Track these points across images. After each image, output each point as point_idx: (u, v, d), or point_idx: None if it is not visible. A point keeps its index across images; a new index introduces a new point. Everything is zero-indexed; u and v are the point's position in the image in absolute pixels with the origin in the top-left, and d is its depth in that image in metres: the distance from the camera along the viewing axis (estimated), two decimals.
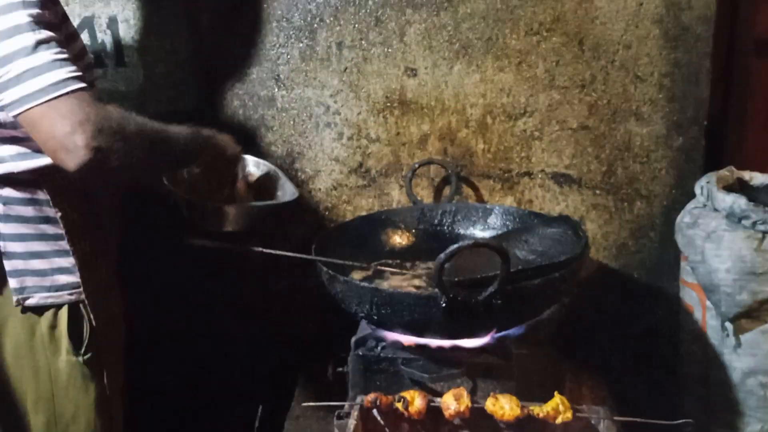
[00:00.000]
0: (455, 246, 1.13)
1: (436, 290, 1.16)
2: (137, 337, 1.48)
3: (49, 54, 1.02)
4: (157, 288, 1.70)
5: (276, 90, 1.68)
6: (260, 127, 1.70)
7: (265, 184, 1.46)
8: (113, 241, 1.36)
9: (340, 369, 1.51)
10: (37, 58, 1.01)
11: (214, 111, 1.69)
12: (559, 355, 1.52)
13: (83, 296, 1.24)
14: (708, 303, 1.49)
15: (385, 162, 1.70)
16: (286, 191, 1.46)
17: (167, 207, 1.34)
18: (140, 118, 1.11)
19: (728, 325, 1.44)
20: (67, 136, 0.99)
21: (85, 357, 1.25)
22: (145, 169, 1.17)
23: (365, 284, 1.28)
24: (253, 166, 1.48)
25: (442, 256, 1.12)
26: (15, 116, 1.04)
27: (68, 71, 1.03)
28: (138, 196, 1.47)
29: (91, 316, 1.25)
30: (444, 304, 1.17)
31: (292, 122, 1.70)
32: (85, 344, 1.25)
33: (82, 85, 1.03)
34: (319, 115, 1.68)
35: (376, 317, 1.28)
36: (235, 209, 1.35)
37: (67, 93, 1.01)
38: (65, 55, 1.05)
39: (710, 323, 1.50)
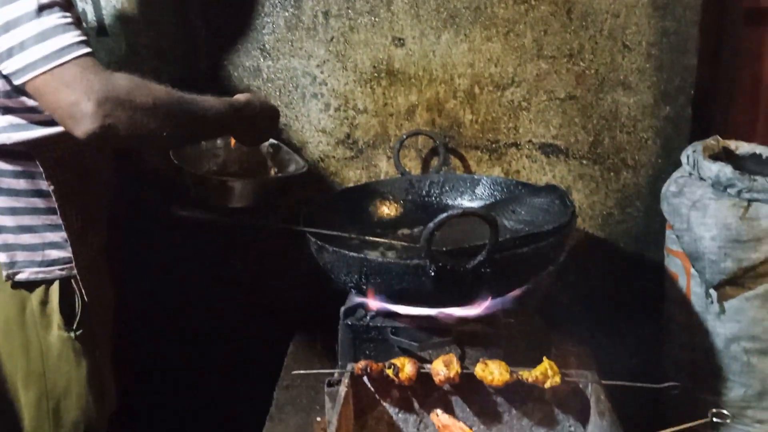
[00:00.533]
0: (444, 215, 1.12)
1: (425, 259, 1.16)
2: (127, 312, 1.48)
3: (54, 18, 1.00)
4: (146, 262, 1.69)
5: (261, 60, 1.66)
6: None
7: (269, 158, 1.46)
8: (104, 216, 1.34)
9: (329, 338, 1.53)
10: (40, 23, 0.99)
11: (198, 82, 1.66)
12: (546, 323, 1.54)
13: (75, 271, 1.23)
14: (693, 271, 1.51)
15: (372, 133, 1.69)
16: (294, 164, 1.46)
17: (157, 180, 1.33)
18: (160, 88, 1.08)
19: (712, 292, 1.46)
20: (73, 105, 0.97)
21: (77, 332, 1.25)
22: (164, 138, 1.11)
23: (354, 254, 1.28)
24: None
25: (431, 224, 1.12)
26: (21, 85, 1.01)
27: (73, 35, 1.00)
28: (125, 169, 1.45)
29: (83, 292, 1.24)
30: (433, 273, 1.17)
31: (278, 93, 1.68)
32: (77, 320, 1.24)
33: (88, 50, 1.01)
34: (306, 85, 1.67)
35: (364, 287, 1.28)
36: (248, 184, 1.34)
37: (72, 60, 0.99)
38: (69, 19, 1.02)
39: (695, 291, 1.52)
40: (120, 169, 1.41)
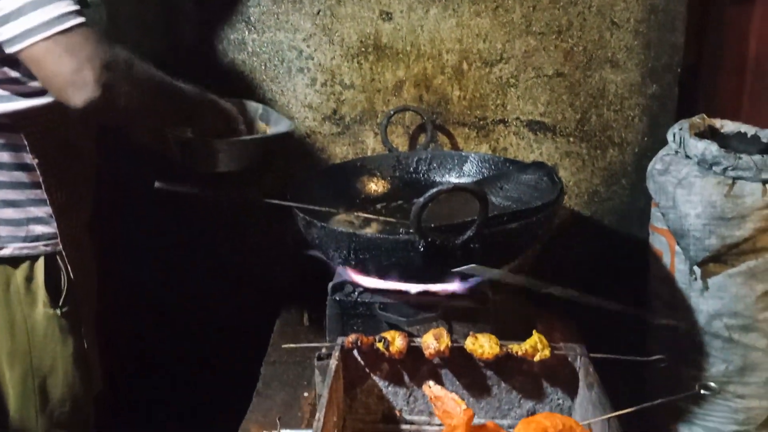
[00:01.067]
0: (434, 190, 1.12)
1: (415, 234, 1.15)
2: (110, 291, 1.46)
3: None
4: (129, 239, 1.66)
5: (246, 33, 1.63)
6: (230, 72, 1.65)
7: (255, 120, 1.44)
8: (89, 192, 1.32)
9: (317, 315, 1.53)
10: None
11: (181, 55, 1.63)
12: (532, 300, 1.56)
13: (60, 247, 1.21)
14: (677, 248, 1.52)
15: (359, 109, 1.67)
16: (280, 125, 1.44)
17: (141, 154, 1.31)
18: (148, 66, 1.10)
19: (696, 269, 1.48)
20: (75, 72, 0.96)
21: (63, 310, 1.23)
22: (152, 116, 1.17)
23: (343, 230, 1.27)
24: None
25: (421, 200, 1.11)
26: (16, 52, 0.99)
27: (68, 4, 0.98)
28: (108, 144, 1.42)
29: (69, 268, 1.22)
30: (422, 249, 1.17)
31: (263, 67, 1.66)
32: (62, 297, 1.22)
33: (83, 19, 1.00)
34: (292, 59, 1.64)
35: (353, 262, 1.28)
36: (233, 145, 1.32)
37: (74, 27, 0.98)
38: None
39: (679, 268, 1.53)
40: (102, 144, 1.39)
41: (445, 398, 0.86)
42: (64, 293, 1.24)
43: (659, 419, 1.58)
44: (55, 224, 1.21)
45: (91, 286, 1.37)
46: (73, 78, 0.97)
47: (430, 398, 0.83)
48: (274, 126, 1.46)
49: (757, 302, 1.44)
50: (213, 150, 1.31)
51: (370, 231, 1.38)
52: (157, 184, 1.25)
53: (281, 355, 1.53)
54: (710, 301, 1.49)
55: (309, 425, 1.29)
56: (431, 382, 0.85)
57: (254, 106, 1.49)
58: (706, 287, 1.49)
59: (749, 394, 1.48)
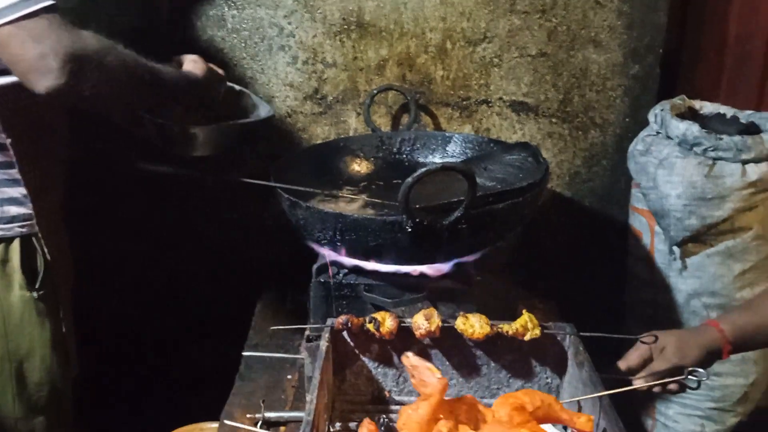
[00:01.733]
0: (423, 169, 1.11)
1: (402, 215, 1.14)
2: (87, 273, 1.43)
3: None
4: (108, 221, 1.62)
5: (226, 9, 1.59)
6: (209, 48, 1.61)
7: (234, 104, 1.41)
8: (64, 171, 1.28)
9: (300, 297, 1.52)
10: None
11: (159, 31, 1.58)
12: (515, 280, 1.57)
13: (36, 229, 1.17)
14: (657, 228, 1.54)
15: (341, 88, 1.65)
16: (260, 110, 1.40)
17: (118, 134, 1.27)
18: (127, 53, 1.06)
19: (676, 249, 1.50)
20: (40, 59, 0.94)
21: (40, 292, 1.20)
22: (124, 102, 1.13)
23: (329, 210, 1.26)
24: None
25: (409, 179, 1.10)
26: None
27: None
28: (86, 123, 1.38)
29: (45, 250, 1.19)
30: (410, 229, 1.16)
31: (243, 44, 1.62)
32: (39, 279, 1.19)
33: (52, 2, 0.96)
34: (272, 37, 1.61)
35: (338, 243, 1.26)
36: (211, 130, 1.29)
37: (40, 10, 0.94)
38: None
39: (658, 248, 1.56)
40: (78, 123, 1.35)
41: (421, 368, 0.85)
42: (40, 276, 1.21)
43: (635, 396, 1.61)
44: (30, 205, 1.17)
45: (69, 269, 1.34)
46: (37, 64, 0.94)
47: (407, 368, 0.82)
48: (254, 110, 1.44)
49: (735, 281, 1.47)
50: (190, 135, 1.28)
51: (356, 211, 1.37)
52: (138, 165, 1.22)
53: (263, 338, 1.51)
54: (689, 280, 1.51)
55: (293, 407, 1.28)
56: (409, 353, 0.84)
57: (235, 89, 1.46)
58: (684, 267, 1.51)
59: (725, 372, 1.51)
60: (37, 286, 1.20)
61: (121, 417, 1.62)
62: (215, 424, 1.41)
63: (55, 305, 1.24)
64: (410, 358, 0.83)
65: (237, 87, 1.44)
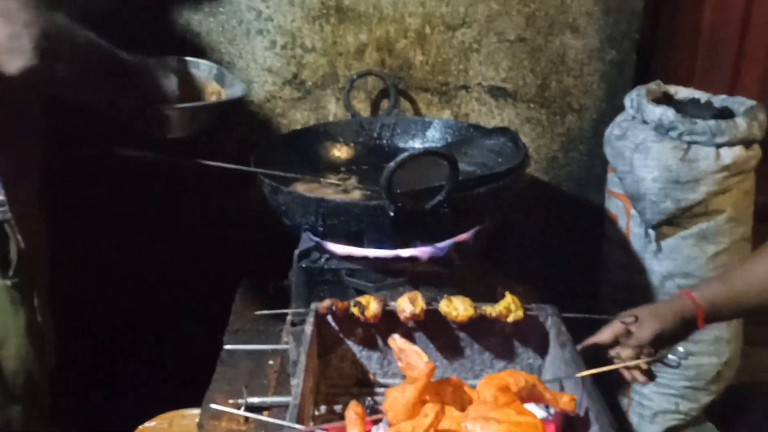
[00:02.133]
0: (406, 154, 1.11)
1: (386, 200, 1.15)
2: (64, 262, 1.40)
3: None
4: (85, 207, 1.60)
5: None
6: (185, 33, 1.59)
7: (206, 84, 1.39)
8: (38, 157, 1.25)
9: (281, 283, 1.51)
10: None
11: (133, 14, 1.55)
12: (494, 264, 1.58)
13: (9, 215, 1.15)
14: (633, 212, 1.57)
15: (321, 73, 1.64)
16: (235, 87, 1.39)
17: (98, 119, 1.25)
18: (92, 35, 1.04)
19: (651, 231, 1.53)
20: (12, 39, 0.91)
21: (14, 280, 1.17)
22: (91, 86, 1.10)
23: (311, 195, 1.25)
24: (194, 68, 1.40)
25: (392, 164, 1.10)
26: None
27: None
28: (62, 108, 1.35)
29: (19, 237, 1.16)
30: (392, 214, 1.16)
31: (220, 28, 1.60)
32: (13, 267, 1.17)
33: None
34: (250, 21, 1.59)
35: (321, 228, 1.26)
36: (186, 110, 1.27)
37: None
38: None
39: (634, 231, 1.58)
40: (53, 107, 1.32)
41: (408, 351, 0.86)
42: (14, 263, 1.18)
43: (611, 376, 1.64)
44: (2, 191, 1.15)
45: (44, 256, 1.31)
46: (9, 45, 0.91)
47: (394, 351, 0.83)
48: (229, 88, 1.42)
49: (708, 263, 1.51)
50: (163, 116, 1.27)
51: (338, 196, 1.37)
52: (117, 150, 1.20)
53: (244, 324, 1.51)
54: (663, 262, 1.54)
55: (276, 392, 1.28)
56: (396, 336, 0.85)
57: (208, 66, 1.44)
58: (659, 249, 1.54)
59: (699, 352, 1.55)
60: (10, 274, 1.17)
61: (102, 405, 1.61)
62: (197, 411, 1.41)
63: (29, 294, 1.22)
64: (397, 341, 0.83)
65: (212, 64, 1.43)
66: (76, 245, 1.56)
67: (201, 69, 1.41)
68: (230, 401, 1.20)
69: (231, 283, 1.59)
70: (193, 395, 1.38)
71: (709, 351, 1.55)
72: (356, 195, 1.39)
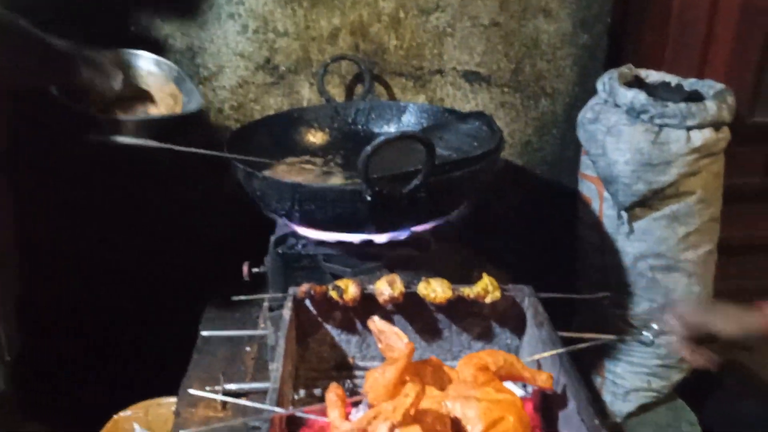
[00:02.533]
0: (382, 138, 1.11)
1: (363, 184, 1.14)
2: (32, 246, 1.37)
3: None
4: (55, 197, 1.56)
5: None
6: (154, 16, 1.56)
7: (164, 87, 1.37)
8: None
9: (257, 269, 1.50)
10: None
11: (93, 3, 1.51)
12: (470, 247, 1.59)
13: None
14: (605, 194, 1.58)
15: (294, 58, 1.62)
16: (192, 97, 1.37)
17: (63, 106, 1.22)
18: (23, 22, 1.02)
19: (623, 213, 1.55)
20: None
21: None
22: (23, 74, 1.08)
23: (286, 180, 1.24)
24: (154, 66, 1.37)
25: (368, 148, 1.10)
26: None
27: None
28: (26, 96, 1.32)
29: None
30: (369, 198, 1.16)
31: (190, 12, 1.57)
32: None
33: None
34: (221, 5, 1.56)
35: (297, 214, 1.26)
36: (137, 121, 1.25)
37: None
38: None
39: (606, 213, 1.60)
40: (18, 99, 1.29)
41: (388, 333, 0.86)
42: None
43: (586, 355, 1.66)
44: None
45: (6, 241, 1.28)
46: None
47: (374, 333, 0.83)
48: (186, 95, 1.40)
49: (679, 243, 1.53)
50: (115, 123, 1.24)
51: (314, 181, 1.36)
52: (89, 136, 1.18)
53: (221, 311, 1.50)
54: (635, 243, 1.57)
55: (254, 379, 1.28)
56: (375, 317, 0.85)
57: (168, 67, 1.42)
58: (631, 231, 1.56)
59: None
60: None
61: (76, 395, 1.59)
62: (173, 399, 1.40)
63: None
64: (376, 323, 0.83)
65: (173, 66, 1.41)
66: (47, 234, 1.53)
67: (162, 68, 1.39)
68: (207, 388, 1.19)
69: (206, 271, 1.57)
70: (169, 384, 1.37)
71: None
72: (332, 180, 1.38)
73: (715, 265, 1.61)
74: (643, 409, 1.65)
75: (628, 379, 1.63)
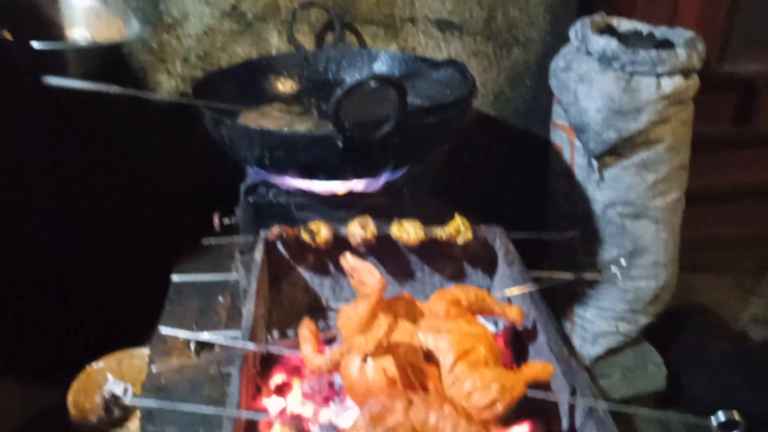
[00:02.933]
0: (353, 81, 1.09)
1: (333, 130, 1.13)
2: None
3: None
4: (15, 144, 1.52)
5: None
6: None
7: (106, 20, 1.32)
8: None
9: (229, 219, 1.49)
10: None
11: None
12: (442, 196, 1.59)
13: None
14: (577, 143, 1.59)
15: (261, 4, 1.58)
16: (132, 27, 1.32)
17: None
18: None
19: (594, 162, 1.56)
20: None
21: None
22: None
23: (256, 127, 1.22)
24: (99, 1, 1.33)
25: (339, 91, 1.08)
26: None
27: None
28: None
29: None
30: (341, 144, 1.15)
31: None
32: None
33: None
34: None
35: (267, 161, 1.24)
36: (78, 51, 1.20)
37: None
38: None
39: (578, 162, 1.62)
40: None
41: (360, 268, 0.85)
42: None
43: (557, 301, 1.70)
44: None
45: None
46: None
47: (346, 269, 0.83)
48: (128, 26, 1.36)
49: (648, 191, 1.55)
50: (51, 54, 1.19)
51: (284, 128, 1.34)
52: (46, 80, 1.14)
53: (192, 261, 1.49)
54: (606, 191, 1.58)
55: (227, 327, 1.28)
56: (347, 253, 0.85)
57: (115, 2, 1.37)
58: (602, 179, 1.58)
59: (638, 276, 1.61)
60: None
61: (49, 348, 1.57)
62: (146, 351, 1.40)
63: None
64: (348, 259, 0.83)
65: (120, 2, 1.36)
66: (9, 185, 1.49)
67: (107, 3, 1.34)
68: (180, 335, 1.18)
69: (176, 222, 1.55)
70: (141, 336, 1.36)
71: (647, 275, 1.61)
72: (303, 127, 1.37)
73: (682, 213, 1.64)
74: (611, 352, 1.69)
75: (597, 324, 1.67)
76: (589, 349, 1.69)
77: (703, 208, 1.84)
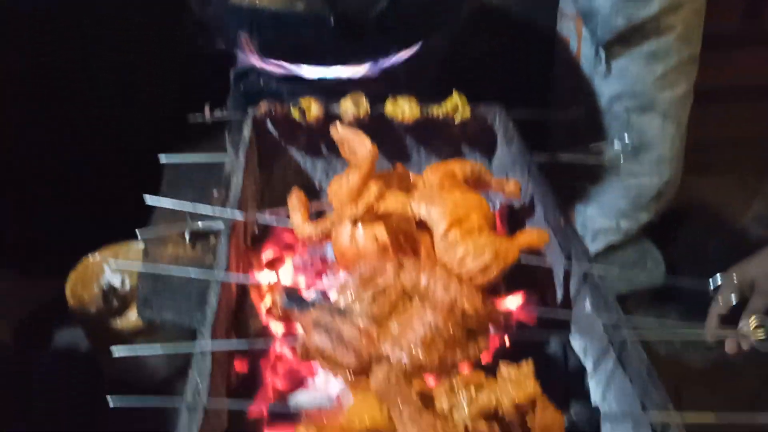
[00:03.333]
0: None
1: (325, 7, 1.07)
2: None
3: None
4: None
5: None
6: None
7: None
8: None
9: (219, 111, 1.44)
10: None
11: None
12: (441, 83, 1.54)
13: None
14: (584, 32, 1.52)
15: None
16: None
17: None
18: None
19: (601, 51, 1.49)
20: None
21: None
22: None
23: (244, 4, 1.16)
24: None
25: None
26: None
27: None
28: None
29: None
30: (333, 23, 1.09)
31: None
32: None
33: None
34: None
35: (257, 43, 1.18)
36: None
37: None
38: None
39: (584, 53, 1.55)
40: None
41: (351, 138, 0.81)
42: None
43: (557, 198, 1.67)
44: None
45: None
46: None
47: (336, 140, 0.79)
48: None
49: (656, 83, 1.49)
50: None
51: (273, 5, 1.27)
52: None
53: (184, 156, 1.45)
54: (612, 83, 1.52)
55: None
56: (338, 122, 0.81)
57: None
58: (609, 70, 1.51)
59: (641, 172, 1.57)
60: None
61: (46, 239, 1.57)
62: (142, 244, 1.39)
63: None
64: (339, 128, 0.79)
65: None
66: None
67: None
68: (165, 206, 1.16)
69: (166, 113, 1.51)
70: (131, 230, 1.35)
71: (651, 171, 1.57)
72: (297, 6, 1.30)
73: (690, 108, 1.58)
74: (611, 249, 1.68)
75: (598, 221, 1.65)
76: (589, 245, 1.68)
77: (708, 108, 1.78)
